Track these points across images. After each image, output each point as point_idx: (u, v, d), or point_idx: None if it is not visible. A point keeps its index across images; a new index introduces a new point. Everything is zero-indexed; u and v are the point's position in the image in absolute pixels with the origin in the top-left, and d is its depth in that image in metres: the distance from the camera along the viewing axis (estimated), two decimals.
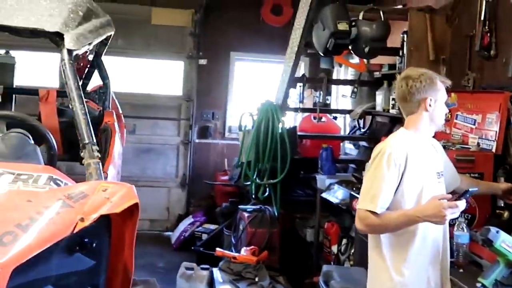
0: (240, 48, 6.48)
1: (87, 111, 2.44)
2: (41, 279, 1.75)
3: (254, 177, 4.44)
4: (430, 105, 2.22)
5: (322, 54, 4.27)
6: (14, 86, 4.23)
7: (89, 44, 2.81)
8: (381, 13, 4.06)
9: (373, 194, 2.13)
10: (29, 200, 1.85)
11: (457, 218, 2.46)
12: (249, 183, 4.53)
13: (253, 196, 4.58)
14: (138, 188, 7.11)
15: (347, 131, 5.60)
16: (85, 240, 1.81)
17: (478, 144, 3.16)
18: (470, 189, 2.14)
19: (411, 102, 2.24)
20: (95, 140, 2.38)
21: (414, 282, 2.19)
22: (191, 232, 5.64)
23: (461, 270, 2.39)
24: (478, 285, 2.09)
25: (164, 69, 6.57)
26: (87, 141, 2.33)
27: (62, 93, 3.67)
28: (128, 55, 6.28)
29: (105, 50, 3.96)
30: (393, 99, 4.10)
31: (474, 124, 3.25)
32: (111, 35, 3.54)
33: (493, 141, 3.03)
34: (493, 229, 2.07)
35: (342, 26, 3.89)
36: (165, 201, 6.36)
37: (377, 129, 4.86)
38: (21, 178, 2.04)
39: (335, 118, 5.51)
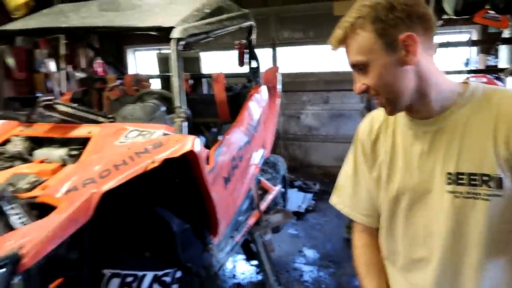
0: None
1: (182, 84, 2.75)
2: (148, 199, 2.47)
3: None
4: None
5: (455, 16, 3.85)
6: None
7: (203, 33, 3.16)
8: None
9: (337, 185, 1.65)
10: (128, 148, 2.29)
11: None
12: None
13: None
14: (335, 144, 9.01)
15: None
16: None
17: None
18: None
19: None
20: (184, 105, 2.73)
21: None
22: None
23: None
24: None
25: None
26: (177, 105, 2.72)
27: (228, 75, 4.33)
28: (318, 43, 7.55)
29: (252, 38, 4.40)
30: None
31: None
32: (251, 25, 4.20)
33: None
34: None
35: None
36: None
37: None
38: (143, 133, 2.52)
39: (497, 78, 5.11)
